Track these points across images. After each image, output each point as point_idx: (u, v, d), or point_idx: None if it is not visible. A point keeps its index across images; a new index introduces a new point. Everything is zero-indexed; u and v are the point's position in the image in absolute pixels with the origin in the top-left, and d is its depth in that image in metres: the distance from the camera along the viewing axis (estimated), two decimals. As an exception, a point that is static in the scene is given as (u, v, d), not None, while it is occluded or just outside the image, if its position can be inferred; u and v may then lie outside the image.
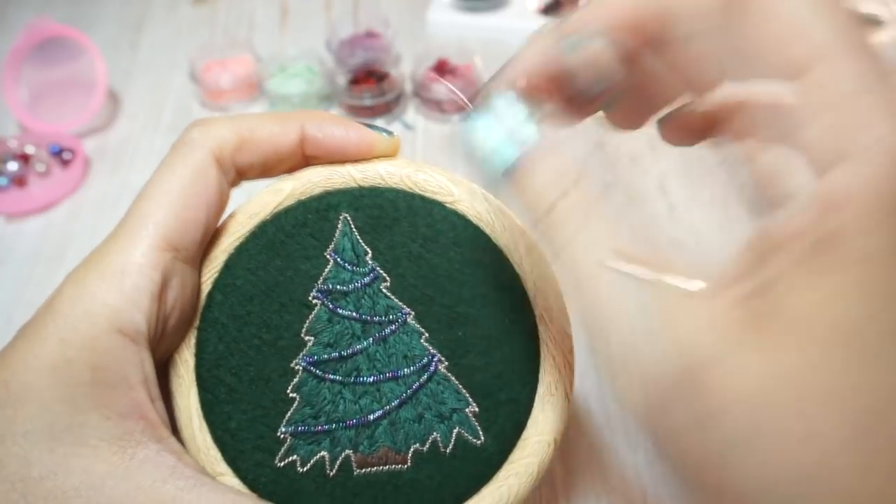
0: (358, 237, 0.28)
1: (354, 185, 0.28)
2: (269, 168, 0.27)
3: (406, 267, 0.27)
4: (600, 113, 0.25)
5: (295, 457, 0.27)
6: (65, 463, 0.21)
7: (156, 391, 0.25)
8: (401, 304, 0.27)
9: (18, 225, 0.49)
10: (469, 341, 0.27)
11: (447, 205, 0.28)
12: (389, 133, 0.28)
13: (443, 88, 0.53)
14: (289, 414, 0.27)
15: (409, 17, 0.66)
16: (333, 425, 0.27)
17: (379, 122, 0.54)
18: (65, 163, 0.52)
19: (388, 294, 0.28)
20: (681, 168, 0.50)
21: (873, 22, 0.59)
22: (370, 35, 0.58)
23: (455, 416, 0.27)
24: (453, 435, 0.27)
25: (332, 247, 0.28)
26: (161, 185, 0.25)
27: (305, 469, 0.27)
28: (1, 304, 0.44)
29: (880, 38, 0.57)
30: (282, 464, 0.27)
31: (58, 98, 0.57)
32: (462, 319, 0.27)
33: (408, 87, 0.56)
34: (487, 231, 0.28)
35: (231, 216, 0.28)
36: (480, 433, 0.27)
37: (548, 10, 0.63)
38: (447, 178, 0.28)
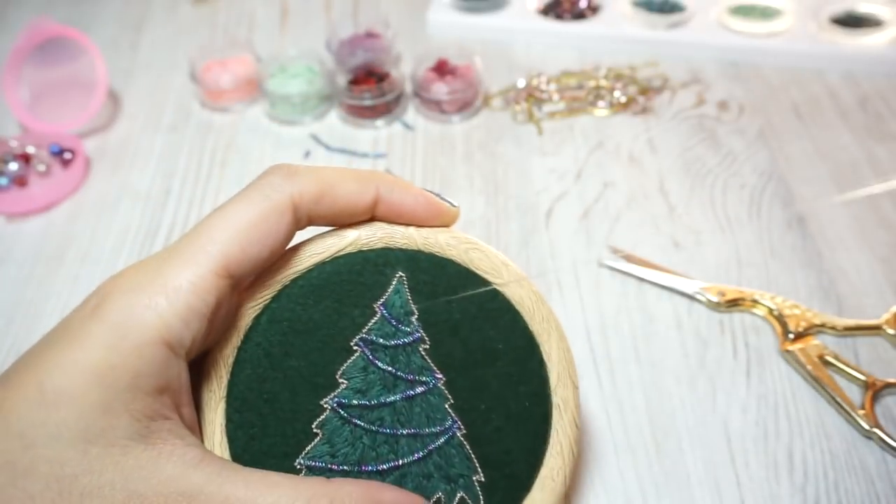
0: (408, 297, 0.29)
1: (415, 247, 0.29)
2: (339, 220, 0.29)
3: (446, 335, 0.29)
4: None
5: None
6: (98, 462, 0.22)
7: (188, 398, 0.26)
8: (435, 367, 0.29)
9: (19, 225, 0.49)
10: (489, 415, 0.29)
11: (495, 286, 0.30)
12: (453, 204, 0.30)
13: (443, 88, 0.53)
14: (309, 447, 0.28)
15: (409, 17, 0.66)
16: (347, 467, 0.28)
17: (379, 123, 0.54)
18: (65, 163, 0.52)
19: (425, 356, 0.29)
20: (681, 168, 0.50)
21: (874, 22, 0.59)
22: (370, 35, 0.58)
23: (461, 481, 0.28)
24: (456, 498, 0.28)
25: (382, 300, 0.29)
26: (233, 215, 0.26)
27: None
28: (1, 304, 0.44)
29: (880, 38, 0.57)
30: None
31: (58, 98, 0.56)
32: (487, 394, 0.29)
33: (408, 88, 0.56)
34: (526, 318, 0.29)
35: (291, 250, 0.29)
36: (481, 501, 0.28)
37: (548, 10, 0.63)
38: (500, 260, 0.30)
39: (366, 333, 0.29)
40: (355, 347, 0.29)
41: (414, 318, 0.29)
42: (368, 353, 0.29)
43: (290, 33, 0.65)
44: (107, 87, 0.55)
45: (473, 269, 0.30)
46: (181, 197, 0.50)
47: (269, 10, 0.68)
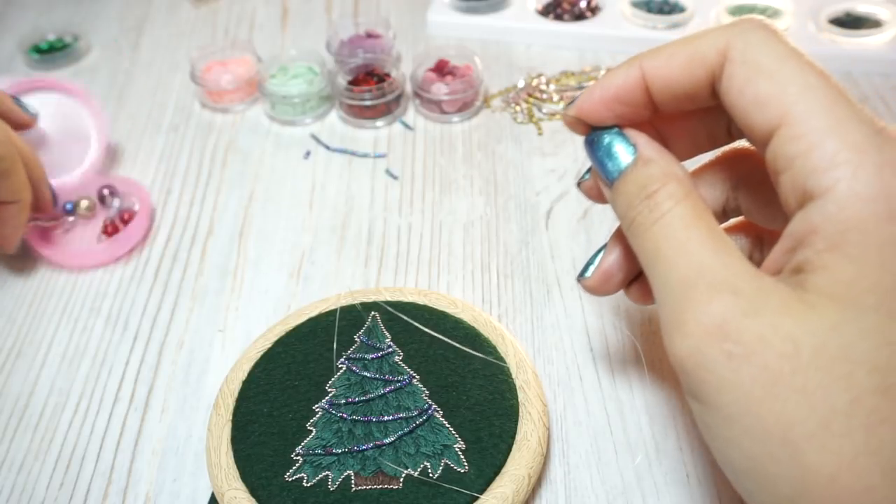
0: (382, 327, 0.38)
1: (384, 299, 0.39)
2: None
3: (415, 347, 0.37)
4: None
5: (303, 474, 0.33)
6: None
7: None
8: (409, 370, 0.36)
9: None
10: (460, 399, 0.35)
11: (451, 313, 0.38)
12: None
13: (443, 88, 0.53)
14: (304, 441, 0.34)
15: (410, 17, 0.66)
16: (341, 450, 0.33)
17: (379, 123, 0.55)
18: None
19: (400, 363, 0.36)
20: (680, 168, 0.50)
21: (873, 22, 0.59)
22: (370, 36, 0.58)
23: (445, 451, 0.33)
24: (441, 464, 0.32)
25: (361, 331, 0.38)
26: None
27: (310, 484, 0.32)
28: (1, 303, 0.44)
29: (879, 38, 0.57)
30: (291, 479, 0.32)
31: (54, 152, 0.50)
32: (456, 385, 0.35)
33: (408, 88, 0.57)
34: (482, 331, 0.37)
35: (299, 312, 0.39)
36: (465, 464, 0.32)
37: (547, 11, 0.63)
38: (449, 300, 0.39)
39: (350, 354, 0.37)
40: (341, 365, 0.36)
41: (388, 340, 0.37)
42: (353, 367, 0.36)
43: (291, 34, 0.65)
44: (106, 138, 0.51)
45: (431, 304, 0.39)
46: (182, 197, 0.50)
47: (270, 10, 0.68)
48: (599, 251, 0.31)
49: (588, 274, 0.31)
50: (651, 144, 0.27)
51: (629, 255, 0.30)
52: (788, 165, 0.23)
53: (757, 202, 0.29)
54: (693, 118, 0.29)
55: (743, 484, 0.23)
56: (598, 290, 0.31)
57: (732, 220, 0.31)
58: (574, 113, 0.28)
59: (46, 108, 0.50)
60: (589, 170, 0.30)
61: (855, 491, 0.20)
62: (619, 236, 0.31)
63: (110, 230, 0.48)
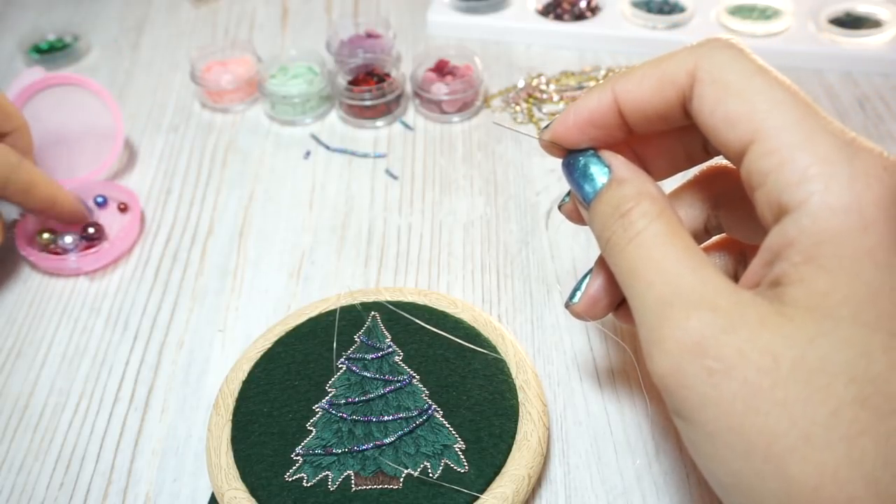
0: (382, 327, 0.38)
1: (384, 299, 0.39)
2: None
3: (415, 347, 0.37)
4: None
5: (303, 474, 0.33)
6: None
7: None
8: (409, 370, 0.36)
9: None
10: (460, 399, 0.35)
11: (451, 313, 0.38)
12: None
13: (443, 88, 0.53)
14: (304, 441, 0.34)
15: (410, 17, 0.66)
16: (341, 450, 0.33)
17: (379, 123, 0.54)
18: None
19: (400, 363, 0.36)
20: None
21: (873, 22, 0.59)
22: (370, 36, 0.58)
23: (445, 451, 0.33)
24: (441, 464, 0.32)
25: (361, 331, 0.38)
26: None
27: (310, 484, 0.32)
28: (1, 303, 0.44)
29: (879, 38, 0.57)
30: (291, 479, 0.32)
31: (71, 148, 0.51)
32: (456, 385, 0.35)
33: (408, 88, 0.57)
34: (481, 331, 0.38)
35: (299, 312, 0.39)
36: (465, 464, 0.32)
37: (547, 11, 0.63)
38: (449, 300, 0.39)
39: (350, 354, 0.37)
40: (341, 365, 0.36)
41: (388, 340, 0.37)
42: (353, 367, 0.36)
43: (291, 34, 0.65)
44: (123, 135, 0.52)
45: (431, 304, 0.39)
46: (182, 197, 0.50)
47: (270, 10, 0.68)
48: (586, 276, 0.32)
49: (576, 300, 0.31)
50: (625, 165, 0.27)
51: (614, 279, 0.30)
52: (763, 181, 0.23)
53: (737, 218, 0.29)
54: (669, 138, 0.30)
55: (730, 499, 0.23)
56: (586, 314, 0.31)
57: (715, 238, 0.32)
58: (549, 137, 0.29)
59: (67, 103, 0.51)
60: (568, 193, 0.31)
61: (839, 502, 0.20)
62: (604, 261, 0.31)
63: (85, 247, 0.46)
